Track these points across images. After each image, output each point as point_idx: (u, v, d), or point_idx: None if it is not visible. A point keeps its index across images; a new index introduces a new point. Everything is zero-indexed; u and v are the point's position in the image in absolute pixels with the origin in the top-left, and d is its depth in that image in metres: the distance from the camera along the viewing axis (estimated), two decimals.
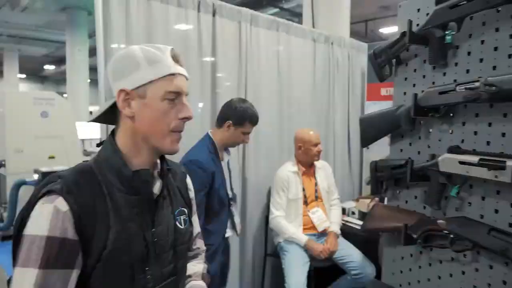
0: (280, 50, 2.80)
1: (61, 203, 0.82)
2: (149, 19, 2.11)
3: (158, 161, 1.00)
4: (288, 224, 2.47)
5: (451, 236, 1.15)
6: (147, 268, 0.91)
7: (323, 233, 2.52)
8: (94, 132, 6.03)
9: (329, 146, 3.25)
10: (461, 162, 1.07)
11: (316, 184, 2.62)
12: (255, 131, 2.69)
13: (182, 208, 1.04)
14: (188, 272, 1.10)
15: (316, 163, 2.64)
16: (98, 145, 0.98)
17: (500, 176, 0.96)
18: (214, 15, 2.38)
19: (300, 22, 4.50)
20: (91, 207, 0.84)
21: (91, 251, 0.83)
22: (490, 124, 1.08)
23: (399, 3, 1.40)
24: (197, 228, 1.18)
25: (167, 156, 1.03)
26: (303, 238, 2.42)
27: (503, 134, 1.04)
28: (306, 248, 2.40)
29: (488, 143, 1.09)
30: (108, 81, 0.93)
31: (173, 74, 0.89)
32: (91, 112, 7.67)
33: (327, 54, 3.17)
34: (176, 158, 1.27)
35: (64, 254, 0.81)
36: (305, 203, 2.55)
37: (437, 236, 1.21)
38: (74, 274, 0.83)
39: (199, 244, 1.20)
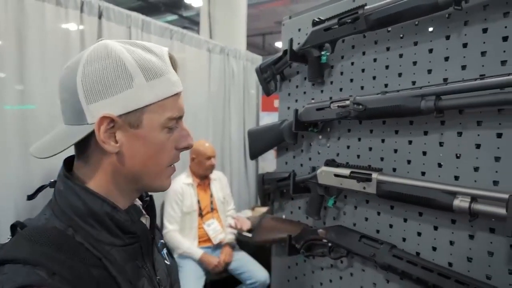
0: None
1: None
2: (20, 14, 1.88)
3: None
4: (183, 239, 2.40)
5: (329, 244, 1.22)
6: None
7: (219, 245, 2.51)
8: None
9: (225, 156, 3.27)
10: (336, 175, 1.15)
11: (211, 196, 2.60)
12: None
13: (161, 241, 0.85)
14: None
15: (211, 174, 2.63)
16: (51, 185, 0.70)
17: (367, 187, 1.04)
18: (100, 17, 2.22)
19: (199, 31, 4.48)
20: (94, 285, 0.58)
21: None
22: (359, 139, 1.17)
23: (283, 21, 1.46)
24: None
25: None
26: (197, 252, 2.37)
27: (370, 149, 1.14)
28: (201, 262, 2.36)
29: (358, 156, 1.18)
30: (72, 99, 0.62)
31: (178, 93, 0.66)
32: None
33: (222, 65, 3.20)
34: None
35: None
36: (200, 215, 2.51)
37: (318, 245, 1.27)
38: None
39: None
